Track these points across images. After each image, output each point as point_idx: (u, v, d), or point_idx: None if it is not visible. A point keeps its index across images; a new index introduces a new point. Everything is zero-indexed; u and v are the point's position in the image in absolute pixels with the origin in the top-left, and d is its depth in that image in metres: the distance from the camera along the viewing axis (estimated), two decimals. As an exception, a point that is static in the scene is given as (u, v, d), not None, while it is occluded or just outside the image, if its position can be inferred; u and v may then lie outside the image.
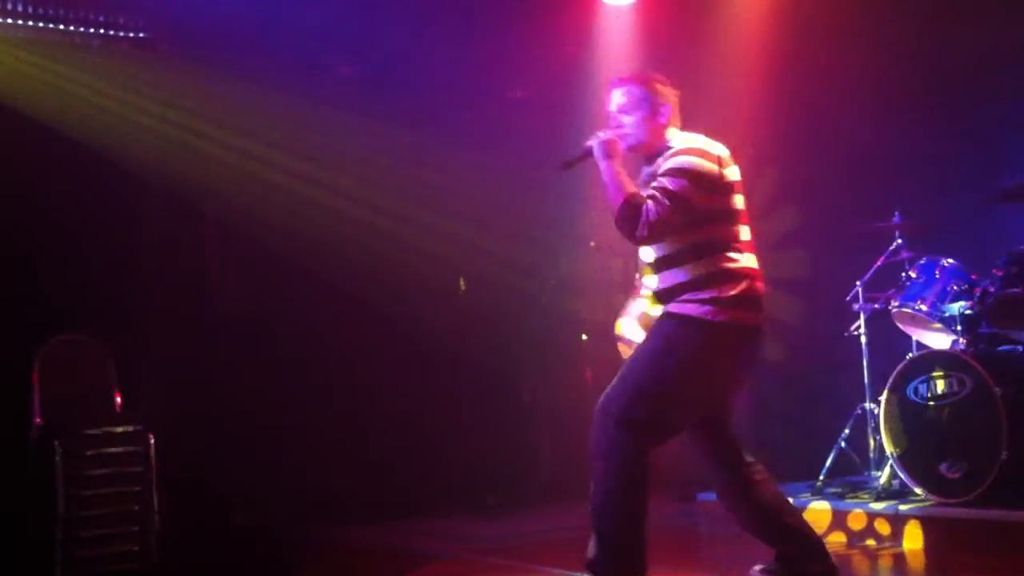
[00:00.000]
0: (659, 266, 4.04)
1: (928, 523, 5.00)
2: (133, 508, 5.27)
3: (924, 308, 5.41)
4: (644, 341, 4.03)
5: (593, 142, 4.06)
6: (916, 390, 5.22)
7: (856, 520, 5.26)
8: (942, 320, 5.39)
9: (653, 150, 4.11)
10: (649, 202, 3.87)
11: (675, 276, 3.97)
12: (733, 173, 4.05)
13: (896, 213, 5.79)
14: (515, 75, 7.64)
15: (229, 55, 6.68)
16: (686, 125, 4.23)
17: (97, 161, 6.31)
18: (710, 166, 3.97)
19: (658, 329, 3.99)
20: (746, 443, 4.22)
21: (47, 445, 5.17)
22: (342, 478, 6.69)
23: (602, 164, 4.01)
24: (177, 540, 5.46)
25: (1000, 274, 5.19)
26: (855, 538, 5.23)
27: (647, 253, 4.09)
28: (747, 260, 4.01)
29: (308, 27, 6.80)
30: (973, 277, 5.37)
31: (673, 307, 3.96)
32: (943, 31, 6.32)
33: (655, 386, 3.89)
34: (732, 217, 4.03)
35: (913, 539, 5.02)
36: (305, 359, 6.88)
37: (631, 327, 4.19)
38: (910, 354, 5.35)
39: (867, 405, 5.76)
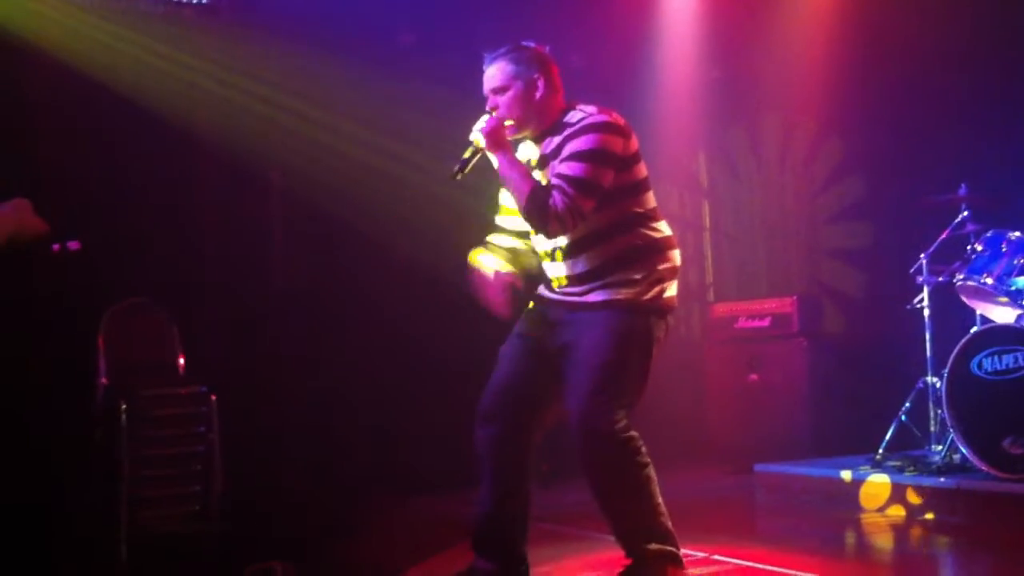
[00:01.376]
0: (574, 249, 3.79)
1: (989, 498, 4.94)
2: (196, 468, 5.37)
3: (990, 281, 5.33)
4: (585, 339, 3.75)
5: (476, 135, 3.74)
6: (980, 364, 5.15)
7: (915, 494, 5.21)
8: (1008, 294, 5.30)
9: (541, 127, 3.82)
10: (555, 193, 3.63)
11: (595, 258, 3.76)
12: (635, 142, 3.78)
13: (963, 185, 5.69)
14: (576, 41, 7.59)
15: (291, 22, 6.71)
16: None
17: (164, 128, 6.37)
18: (616, 141, 3.71)
19: (596, 322, 3.75)
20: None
21: (112, 406, 5.27)
22: (399, 447, 6.73)
23: (493, 157, 3.73)
24: (238, 503, 5.55)
25: (1068, 248, 5.11)
26: (914, 512, 5.19)
27: (548, 240, 3.82)
28: (664, 228, 3.83)
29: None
30: (1041, 251, 5.28)
31: (603, 294, 3.75)
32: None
33: (617, 384, 3.73)
34: (641, 188, 3.80)
35: (973, 514, 4.97)
36: (366, 327, 6.91)
37: (490, 261, 3.90)
38: (974, 328, 5.27)
39: (929, 379, 5.70)
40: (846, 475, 5.58)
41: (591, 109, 3.78)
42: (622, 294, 3.73)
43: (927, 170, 6.39)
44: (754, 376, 6.81)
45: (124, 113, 6.27)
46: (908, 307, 5.90)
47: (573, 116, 3.77)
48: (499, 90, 3.81)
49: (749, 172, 8.08)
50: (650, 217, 3.80)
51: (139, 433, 5.28)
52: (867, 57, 6.88)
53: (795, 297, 6.85)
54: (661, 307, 3.78)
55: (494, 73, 3.83)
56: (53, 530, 5.09)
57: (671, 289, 3.82)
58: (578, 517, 5.28)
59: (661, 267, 3.77)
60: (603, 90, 7.43)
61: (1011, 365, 5.05)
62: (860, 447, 5.95)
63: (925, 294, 5.83)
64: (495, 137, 3.73)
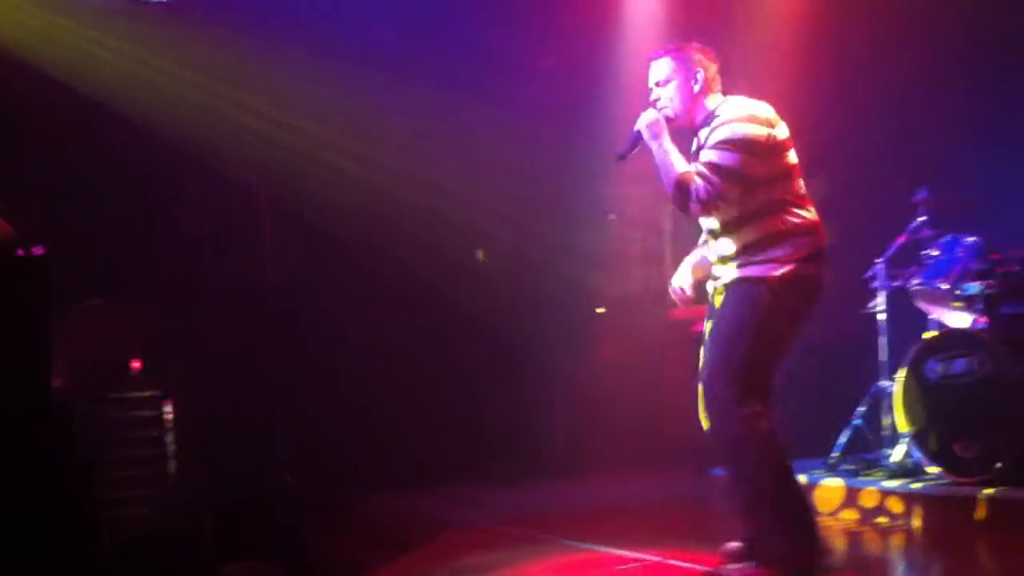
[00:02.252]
0: (722, 232, 4.13)
1: (941, 502, 4.99)
2: (148, 472, 5.32)
3: (945, 286, 5.38)
4: (720, 314, 4.13)
5: (639, 125, 4.12)
6: (934, 368, 5.20)
7: (869, 497, 5.25)
8: (962, 299, 5.36)
9: (697, 119, 4.18)
10: (697, 179, 3.97)
11: (740, 240, 4.07)
12: (783, 131, 4.09)
13: (921, 189, 5.74)
14: (545, 44, 7.60)
15: (255, 20, 6.67)
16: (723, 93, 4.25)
17: (125, 127, 6.31)
18: (760, 131, 4.03)
19: (729, 298, 4.10)
20: None
21: (66, 408, 5.21)
22: (365, 446, 6.72)
23: (652, 145, 4.09)
24: (198, 505, 5.50)
25: (1022, 254, 5.16)
26: (868, 515, 5.23)
27: (709, 220, 4.17)
28: (808, 214, 4.10)
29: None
30: (995, 256, 5.33)
31: (741, 272, 4.07)
32: (976, 6, 6.24)
33: (743, 356, 4.00)
34: (788, 175, 4.10)
35: (926, 517, 5.01)
36: (331, 330, 6.90)
37: (682, 274, 4.40)
38: (928, 332, 5.32)
39: (883, 383, 5.74)
40: (801, 479, 5.60)
41: (740, 101, 4.13)
42: (752, 271, 4.04)
43: (885, 174, 6.44)
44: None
45: (84, 111, 6.21)
46: (864, 311, 5.94)
47: (725, 108, 4.11)
48: (661, 83, 4.20)
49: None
50: (794, 203, 4.08)
51: (92, 436, 5.23)
52: (829, 61, 6.91)
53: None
54: (795, 281, 4.00)
55: (658, 68, 4.22)
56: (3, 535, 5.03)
57: (806, 267, 4.03)
58: (544, 520, 5.31)
59: (799, 249, 4.03)
60: (571, 90, 7.50)
61: (964, 369, 5.10)
62: (815, 451, 5.99)
63: (881, 298, 5.87)
64: (653, 128, 4.10)
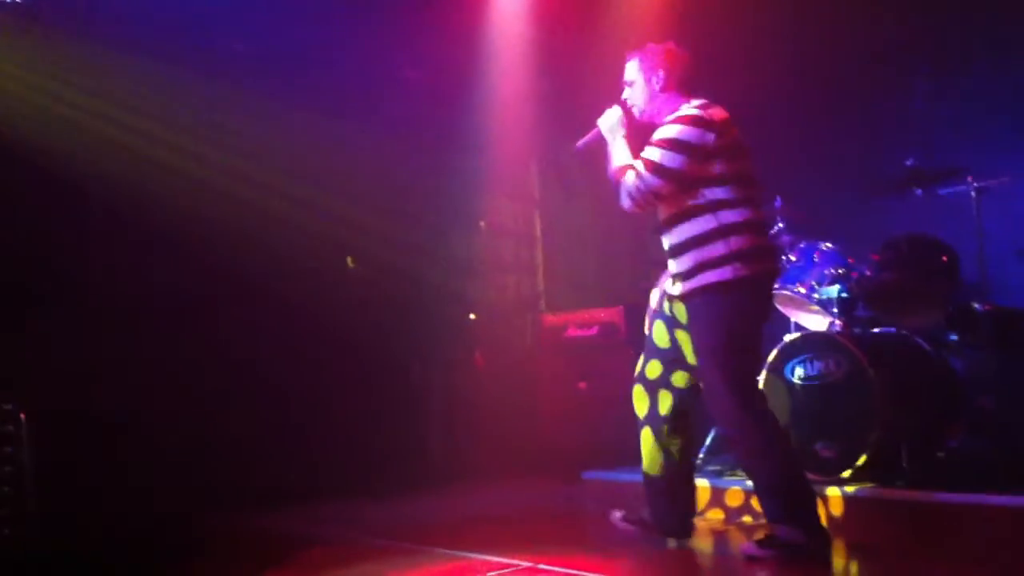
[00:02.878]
0: (661, 228, 4.43)
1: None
2: (4, 490, 5.12)
3: (802, 290, 5.54)
4: (694, 334, 4.42)
5: (600, 121, 4.47)
6: (793, 370, 5.34)
7: (734, 497, 5.37)
8: (820, 302, 5.52)
9: (657, 117, 4.43)
10: (631, 174, 4.26)
11: (675, 237, 4.36)
12: (727, 136, 4.30)
13: (777, 197, 5.90)
14: (410, 54, 7.58)
15: (112, 26, 6.50)
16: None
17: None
18: (698, 134, 4.25)
19: (694, 314, 4.38)
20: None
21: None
22: (229, 464, 6.56)
23: (609, 140, 4.46)
24: (58, 526, 5.32)
25: (877, 259, 5.35)
26: (733, 514, 5.34)
27: (656, 215, 4.44)
28: (743, 214, 4.31)
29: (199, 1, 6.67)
30: (850, 261, 5.51)
31: (693, 283, 4.33)
32: (829, 19, 6.44)
33: (736, 365, 4.33)
34: (726, 178, 4.29)
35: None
36: (187, 342, 6.72)
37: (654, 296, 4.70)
38: (788, 335, 5.46)
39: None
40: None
41: (693, 103, 4.36)
42: (705, 279, 4.29)
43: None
44: (583, 384, 6.90)
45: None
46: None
47: (679, 108, 4.37)
48: (628, 83, 4.52)
49: (579, 182, 8.19)
50: (729, 204, 4.29)
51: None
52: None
53: (622, 307, 6.97)
54: (743, 279, 4.27)
55: (627, 68, 4.54)
56: None
57: (752, 263, 4.29)
58: (419, 532, 5.26)
59: (738, 247, 4.26)
60: (439, 101, 7.49)
61: (822, 371, 5.25)
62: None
63: (744, 303, 5.99)
64: (610, 124, 4.47)
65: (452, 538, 5.21)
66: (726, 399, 4.33)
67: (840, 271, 5.49)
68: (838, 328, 5.41)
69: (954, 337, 5.40)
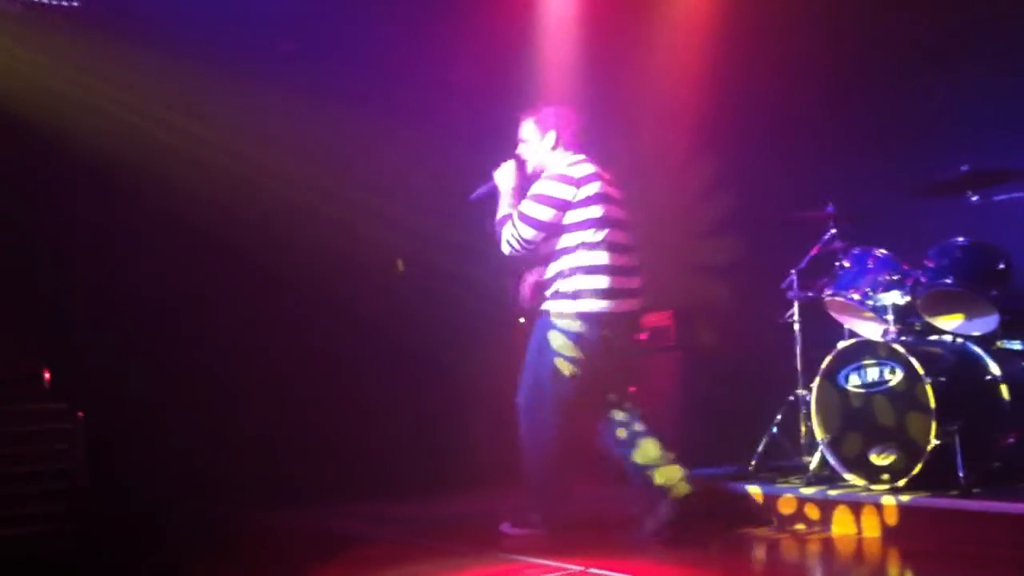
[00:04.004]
0: (545, 264, 5.03)
1: (857, 508, 5.07)
2: (62, 487, 5.17)
3: (856, 297, 5.49)
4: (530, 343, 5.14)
5: (497, 175, 5.07)
6: (847, 378, 5.29)
7: (786, 504, 5.33)
8: (874, 309, 5.47)
9: (544, 172, 5.01)
10: (508, 224, 4.91)
11: (540, 273, 5.02)
12: (590, 189, 4.90)
13: (829, 203, 5.86)
14: (459, 58, 7.59)
15: (161, 26, 6.56)
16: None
17: (27, 133, 6.16)
18: (563, 189, 4.87)
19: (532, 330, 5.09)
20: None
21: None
22: (273, 461, 6.61)
23: (502, 193, 5.07)
24: (105, 522, 5.37)
25: (931, 265, 5.29)
26: (785, 522, 5.30)
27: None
28: (607, 259, 4.92)
29: (247, 1, 6.71)
30: (905, 267, 5.45)
31: (548, 305, 5.00)
32: (881, 21, 6.39)
33: (534, 379, 5.08)
34: (588, 226, 4.89)
35: (842, 524, 5.10)
36: (236, 341, 6.77)
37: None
38: (842, 342, 5.42)
39: (799, 392, 5.83)
40: (721, 486, 5.67)
41: (567, 159, 5.00)
42: (549, 305, 4.97)
43: (796, 187, 6.56)
44: (632, 388, 6.86)
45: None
46: (779, 321, 6.03)
47: (554, 165, 5.02)
48: (523, 140, 5.11)
49: (626, 186, 8.16)
50: (594, 247, 4.90)
51: (2, 450, 5.07)
52: (739, 76, 7.02)
53: (672, 312, 6.94)
54: (585, 315, 4.90)
55: (523, 127, 5.13)
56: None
57: (602, 304, 4.92)
58: (458, 531, 5.25)
59: (592, 286, 4.89)
60: (482, 106, 7.49)
61: (876, 378, 5.21)
62: (734, 458, 6.06)
63: (795, 309, 5.97)
64: (502, 176, 5.09)
65: (501, 540, 5.21)
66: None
67: (894, 277, 5.44)
68: (892, 335, 5.36)
69: (1010, 344, 5.34)
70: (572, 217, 4.92)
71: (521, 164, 5.17)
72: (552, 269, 4.98)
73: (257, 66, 6.81)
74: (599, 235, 4.93)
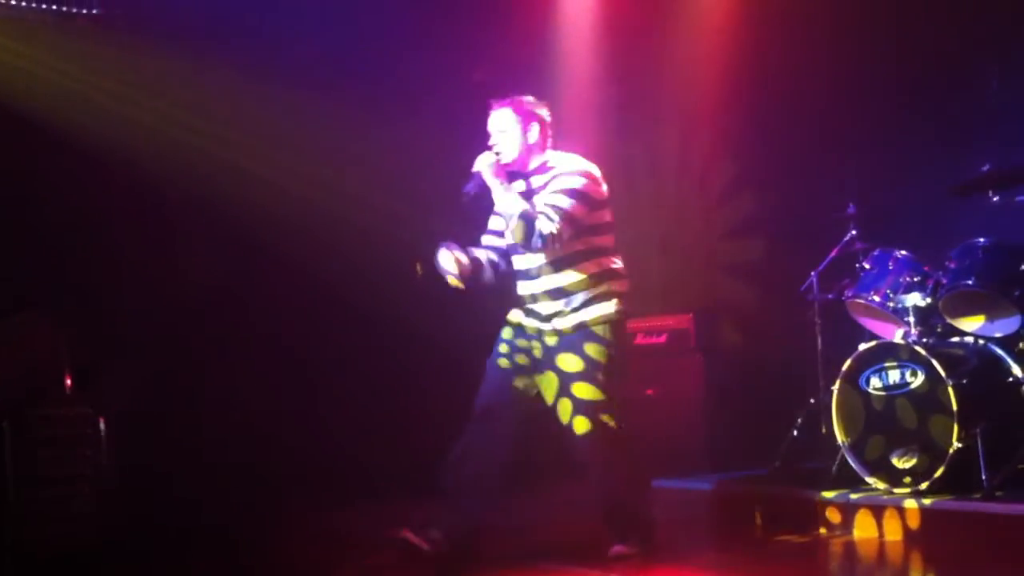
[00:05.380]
0: (547, 270, 4.68)
1: (879, 512, 5.04)
2: (83, 491, 5.21)
3: (877, 299, 5.46)
4: (582, 361, 4.61)
5: (480, 166, 4.63)
6: (868, 380, 5.27)
7: (807, 508, 5.29)
8: (895, 311, 5.44)
9: (528, 166, 4.73)
10: (542, 217, 4.50)
11: (566, 278, 4.66)
12: (607, 189, 4.72)
13: (850, 204, 5.83)
14: (480, 58, 7.60)
15: (187, 32, 6.61)
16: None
17: (56, 141, 6.22)
18: (594, 185, 4.67)
19: (577, 342, 4.63)
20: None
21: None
22: (304, 460, 6.62)
23: (493, 184, 4.60)
24: (131, 523, 5.41)
25: (953, 266, 5.25)
26: (806, 526, 5.26)
27: (528, 260, 4.71)
28: (620, 262, 4.79)
29: (269, 5, 6.75)
30: (926, 269, 5.42)
31: (584, 316, 4.63)
32: (905, 21, 6.36)
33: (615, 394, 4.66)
34: (606, 228, 4.74)
35: (863, 527, 5.08)
36: (269, 343, 6.80)
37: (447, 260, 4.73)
38: (863, 344, 5.39)
39: (820, 394, 5.81)
40: (743, 490, 5.67)
41: (575, 157, 4.73)
42: (598, 312, 4.65)
43: (817, 189, 6.53)
44: (651, 391, 6.86)
45: (13, 126, 6.10)
46: (800, 323, 6.01)
47: (559, 160, 4.72)
48: (500, 131, 4.72)
49: (647, 188, 8.17)
50: (610, 251, 4.74)
51: (23, 454, 5.12)
52: (760, 76, 7.00)
53: (692, 314, 6.92)
54: (623, 319, 4.75)
55: (499, 116, 4.75)
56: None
57: (628, 306, 4.78)
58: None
59: (621, 289, 4.74)
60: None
61: (898, 381, 5.18)
62: (755, 461, 6.04)
63: (816, 311, 5.95)
64: (494, 169, 4.61)
65: (523, 544, 5.20)
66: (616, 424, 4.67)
67: (916, 279, 5.41)
68: (914, 337, 5.33)
69: (1033, 346, 5.30)
70: (598, 218, 4.70)
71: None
72: (579, 272, 4.66)
73: (282, 69, 6.83)
74: (613, 237, 4.80)
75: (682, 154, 7.92)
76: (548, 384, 4.69)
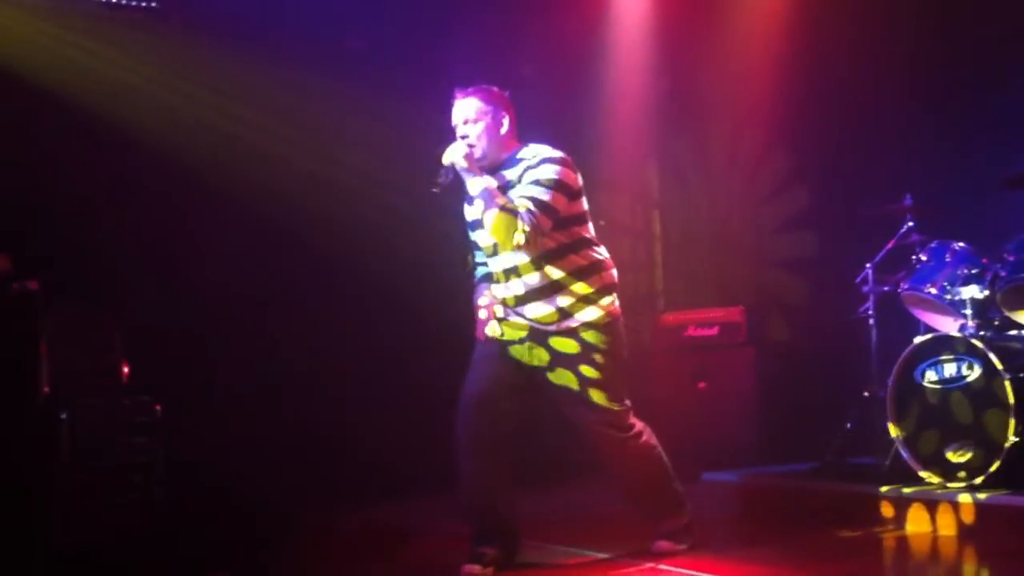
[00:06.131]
0: (531, 267, 4.41)
1: (932, 507, 4.98)
2: (138, 479, 5.28)
3: (933, 291, 5.39)
4: (591, 361, 4.45)
5: (451, 158, 4.35)
6: (924, 373, 5.20)
7: (861, 503, 5.24)
8: (951, 304, 5.36)
9: (499, 159, 4.47)
10: (522, 211, 4.27)
11: (555, 272, 4.41)
12: (581, 179, 4.50)
13: (907, 195, 5.76)
14: (523, 53, 7.59)
15: (239, 26, 6.66)
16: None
17: (107, 132, 6.30)
18: (572, 176, 4.42)
19: (588, 341, 4.44)
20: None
21: (53, 414, 5.17)
22: (334, 457, 6.63)
23: (467, 177, 4.36)
24: (175, 514, 5.46)
25: (1011, 259, 5.16)
26: (859, 521, 5.21)
27: (507, 259, 4.44)
28: (604, 252, 4.56)
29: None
30: (984, 261, 5.34)
31: (581, 317, 4.42)
32: (961, 12, 6.27)
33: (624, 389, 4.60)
34: (585, 218, 4.51)
35: (917, 522, 5.02)
36: (300, 336, 6.82)
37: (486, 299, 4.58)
38: (918, 337, 5.32)
39: (874, 387, 5.75)
40: (794, 484, 5.62)
41: (546, 147, 4.47)
42: (593, 314, 4.44)
43: (872, 180, 6.47)
44: (702, 384, 6.84)
45: (65, 117, 6.19)
46: (854, 316, 5.95)
47: (529, 152, 4.45)
48: (470, 121, 4.46)
49: (698, 181, 8.13)
50: (593, 242, 4.52)
51: (80, 443, 5.19)
52: (813, 68, 6.94)
53: (743, 307, 6.88)
54: (618, 313, 4.55)
55: (466, 106, 4.48)
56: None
57: (616, 299, 4.55)
58: (530, 526, 5.22)
59: (609, 280, 4.50)
60: (555, 100, 7.48)
61: (954, 374, 5.11)
62: (806, 455, 6.00)
63: (871, 303, 5.88)
64: (468, 160, 4.34)
65: (570, 535, 5.20)
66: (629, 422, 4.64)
67: (973, 271, 5.32)
68: (970, 330, 5.26)
69: (1092, 340, 5.21)
70: (576, 208, 4.45)
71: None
72: (568, 266, 4.42)
73: (327, 66, 6.87)
74: (592, 228, 4.56)
75: (734, 147, 7.87)
76: (565, 380, 4.53)
